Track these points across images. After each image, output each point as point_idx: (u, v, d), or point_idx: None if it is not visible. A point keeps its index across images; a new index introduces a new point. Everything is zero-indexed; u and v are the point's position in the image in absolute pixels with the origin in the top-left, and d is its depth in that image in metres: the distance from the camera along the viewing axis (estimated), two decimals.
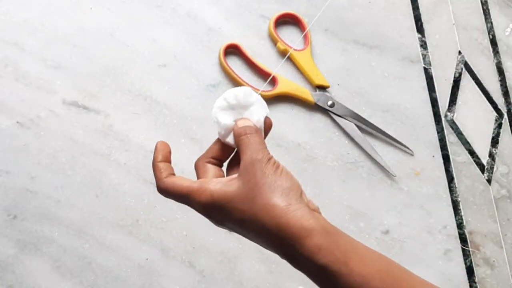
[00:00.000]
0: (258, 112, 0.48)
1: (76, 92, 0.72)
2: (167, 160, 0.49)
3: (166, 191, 0.47)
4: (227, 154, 0.49)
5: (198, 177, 0.48)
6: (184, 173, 0.70)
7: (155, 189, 0.69)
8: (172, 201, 0.69)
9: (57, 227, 0.68)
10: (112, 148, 0.70)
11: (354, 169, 0.72)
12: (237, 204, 0.43)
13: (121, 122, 0.71)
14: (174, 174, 0.48)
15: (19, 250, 0.67)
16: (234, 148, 0.48)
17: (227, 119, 0.48)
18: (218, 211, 0.44)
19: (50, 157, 0.70)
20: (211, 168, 0.48)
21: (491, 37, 0.78)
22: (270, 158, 0.44)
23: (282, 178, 0.44)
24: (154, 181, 0.70)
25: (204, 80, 0.73)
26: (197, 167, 0.49)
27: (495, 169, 0.74)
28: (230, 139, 0.48)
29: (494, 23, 0.78)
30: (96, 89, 0.72)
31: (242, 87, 0.48)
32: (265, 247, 0.45)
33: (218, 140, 0.49)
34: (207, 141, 0.71)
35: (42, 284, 0.66)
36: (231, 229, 0.46)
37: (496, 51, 0.77)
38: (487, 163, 0.74)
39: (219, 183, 0.45)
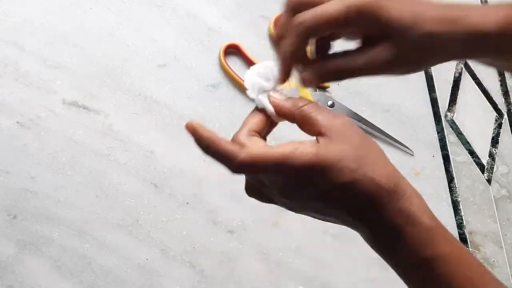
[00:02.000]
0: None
1: (76, 92, 0.72)
2: (214, 136, 0.43)
3: (252, 162, 0.40)
4: (267, 126, 0.44)
5: None
6: (184, 173, 0.71)
7: (155, 189, 0.70)
8: (172, 201, 0.70)
9: (57, 227, 0.68)
10: (112, 148, 0.70)
11: None
12: (347, 163, 0.40)
13: (121, 122, 0.71)
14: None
15: (19, 250, 0.67)
16: (272, 120, 0.44)
17: (259, 81, 0.44)
18: (319, 174, 0.40)
19: (50, 157, 0.69)
20: (260, 142, 0.42)
21: None
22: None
23: (373, 140, 0.44)
24: (154, 181, 0.70)
25: (204, 80, 0.73)
26: (240, 143, 0.42)
27: (495, 169, 0.74)
28: (258, 100, 0.44)
29: None
30: (96, 89, 0.72)
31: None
32: (341, 215, 0.42)
33: (256, 111, 0.44)
34: None
35: (42, 284, 0.66)
36: (307, 199, 0.42)
37: None
38: (487, 163, 0.74)
39: (309, 146, 0.40)
